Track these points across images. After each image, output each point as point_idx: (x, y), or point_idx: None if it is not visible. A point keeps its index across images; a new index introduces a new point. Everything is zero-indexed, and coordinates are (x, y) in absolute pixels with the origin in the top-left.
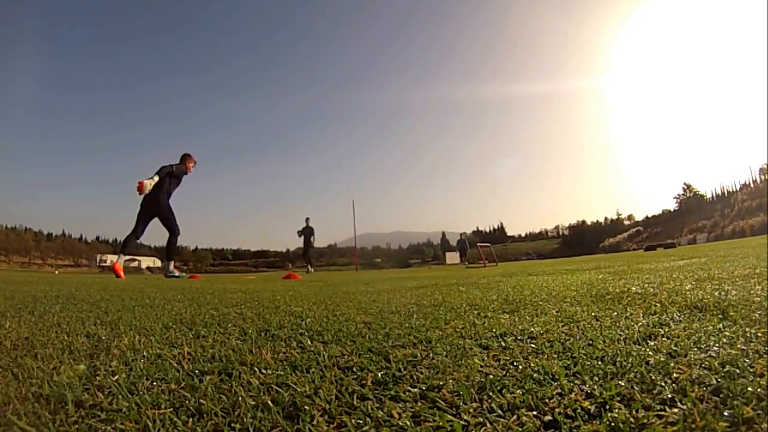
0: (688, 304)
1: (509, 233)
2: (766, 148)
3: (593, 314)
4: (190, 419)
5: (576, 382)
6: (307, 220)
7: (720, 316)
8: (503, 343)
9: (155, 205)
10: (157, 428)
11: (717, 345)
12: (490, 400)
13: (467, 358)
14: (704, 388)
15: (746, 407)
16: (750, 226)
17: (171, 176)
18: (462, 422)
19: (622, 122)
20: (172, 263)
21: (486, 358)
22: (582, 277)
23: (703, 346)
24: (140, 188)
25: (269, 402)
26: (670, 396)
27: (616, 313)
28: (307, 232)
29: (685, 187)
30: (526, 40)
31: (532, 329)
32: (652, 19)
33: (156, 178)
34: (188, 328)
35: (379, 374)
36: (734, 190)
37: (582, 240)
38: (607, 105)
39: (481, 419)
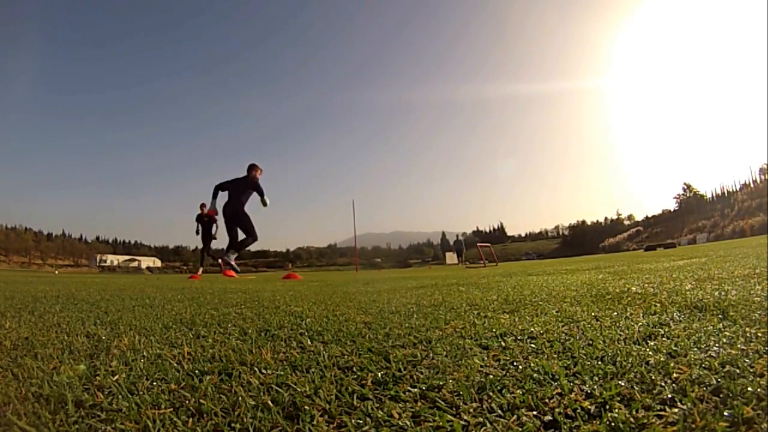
0: (688, 304)
1: (509, 233)
2: (766, 148)
3: (593, 314)
4: (190, 419)
5: (576, 382)
6: (202, 206)
7: (720, 316)
8: (503, 343)
9: (236, 216)
10: (157, 428)
11: (717, 345)
12: (490, 400)
13: (467, 358)
14: (704, 388)
15: (746, 407)
16: (750, 226)
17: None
18: (462, 422)
19: (622, 122)
20: (234, 255)
21: (486, 358)
22: (582, 277)
23: (703, 346)
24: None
25: (269, 402)
26: (670, 396)
27: (616, 313)
28: (204, 221)
29: (685, 187)
30: (526, 40)
31: (532, 329)
32: (651, 19)
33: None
34: (188, 328)
35: (379, 374)
36: (734, 190)
37: (582, 240)
38: (607, 105)
39: (481, 419)
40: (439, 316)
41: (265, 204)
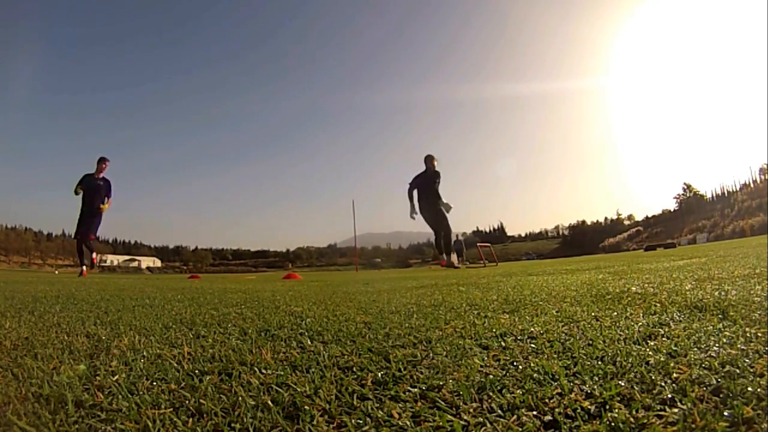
0: (688, 304)
1: (509, 233)
2: (766, 148)
3: (593, 314)
4: (190, 419)
5: (576, 382)
6: (101, 162)
7: (720, 316)
8: (503, 343)
9: (435, 214)
10: (157, 428)
11: (717, 345)
12: (490, 400)
13: (467, 358)
14: (704, 388)
15: (746, 407)
16: (750, 226)
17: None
18: (462, 422)
19: (622, 122)
20: (453, 255)
21: (486, 358)
22: (582, 277)
23: (703, 346)
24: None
25: (269, 402)
26: (670, 396)
27: (616, 313)
28: (99, 184)
29: (685, 187)
30: (526, 40)
31: (532, 329)
32: (651, 19)
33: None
34: (188, 328)
35: (379, 374)
36: (734, 190)
37: (582, 240)
38: (607, 105)
39: (481, 419)
40: (439, 316)
41: (446, 209)
